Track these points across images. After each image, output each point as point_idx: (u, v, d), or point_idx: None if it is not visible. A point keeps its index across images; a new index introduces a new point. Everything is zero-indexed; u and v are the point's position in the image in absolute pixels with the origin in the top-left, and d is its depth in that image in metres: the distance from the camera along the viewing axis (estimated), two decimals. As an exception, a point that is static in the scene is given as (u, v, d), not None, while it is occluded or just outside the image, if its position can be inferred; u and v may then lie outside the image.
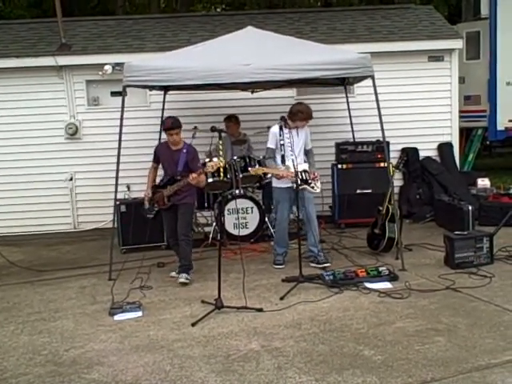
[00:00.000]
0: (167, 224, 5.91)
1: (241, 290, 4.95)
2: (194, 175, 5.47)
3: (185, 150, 5.69)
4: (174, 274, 5.84)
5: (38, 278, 6.07)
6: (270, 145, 5.99)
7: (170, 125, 5.59)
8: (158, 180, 5.99)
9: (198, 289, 5.39)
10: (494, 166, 12.46)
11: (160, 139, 7.26)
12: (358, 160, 7.85)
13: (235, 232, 6.91)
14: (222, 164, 5.55)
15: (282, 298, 4.94)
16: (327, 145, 7.87)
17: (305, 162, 6.07)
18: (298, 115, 5.86)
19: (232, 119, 7.53)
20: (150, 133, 7.86)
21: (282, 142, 5.88)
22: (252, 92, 8.07)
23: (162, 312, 4.80)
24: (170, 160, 5.73)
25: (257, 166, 6.57)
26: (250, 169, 6.22)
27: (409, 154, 8.27)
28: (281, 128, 5.90)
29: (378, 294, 4.95)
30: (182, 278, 5.58)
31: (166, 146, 5.81)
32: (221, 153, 6.54)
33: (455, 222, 7.02)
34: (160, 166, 5.92)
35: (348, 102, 8.17)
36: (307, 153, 6.15)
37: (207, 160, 6.88)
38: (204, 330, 4.32)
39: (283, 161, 5.89)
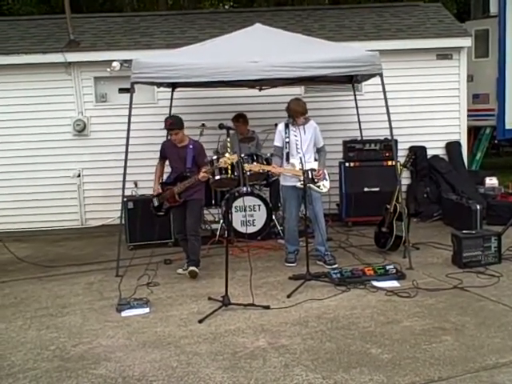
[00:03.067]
0: (176, 220, 5.93)
1: (248, 288, 4.94)
2: (203, 175, 5.50)
3: (191, 146, 5.71)
4: (181, 270, 5.85)
5: (46, 274, 6.10)
6: (276, 143, 5.98)
7: (168, 126, 5.63)
8: (164, 176, 6.00)
9: (205, 286, 5.40)
10: (502, 165, 12.40)
11: (167, 136, 7.24)
12: (366, 158, 7.83)
13: (242, 229, 6.94)
14: (234, 159, 5.44)
15: (289, 296, 4.93)
16: (335, 143, 7.84)
17: (315, 160, 6.04)
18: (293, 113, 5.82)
19: (240, 120, 7.39)
20: (158, 130, 7.81)
21: (286, 140, 5.87)
22: (260, 89, 8.06)
23: (169, 308, 4.81)
24: (176, 157, 5.75)
25: (254, 163, 6.53)
26: (245, 165, 6.18)
27: (417, 152, 8.24)
28: (287, 126, 5.89)
29: (386, 292, 4.94)
30: (192, 267, 5.60)
31: (172, 143, 5.82)
32: (229, 150, 6.51)
33: (463, 220, 6.99)
34: (167, 162, 5.93)
35: (356, 100, 8.14)
36: (318, 151, 6.11)
37: (214, 157, 6.87)
38: (211, 327, 4.32)
39: (287, 158, 5.87)
